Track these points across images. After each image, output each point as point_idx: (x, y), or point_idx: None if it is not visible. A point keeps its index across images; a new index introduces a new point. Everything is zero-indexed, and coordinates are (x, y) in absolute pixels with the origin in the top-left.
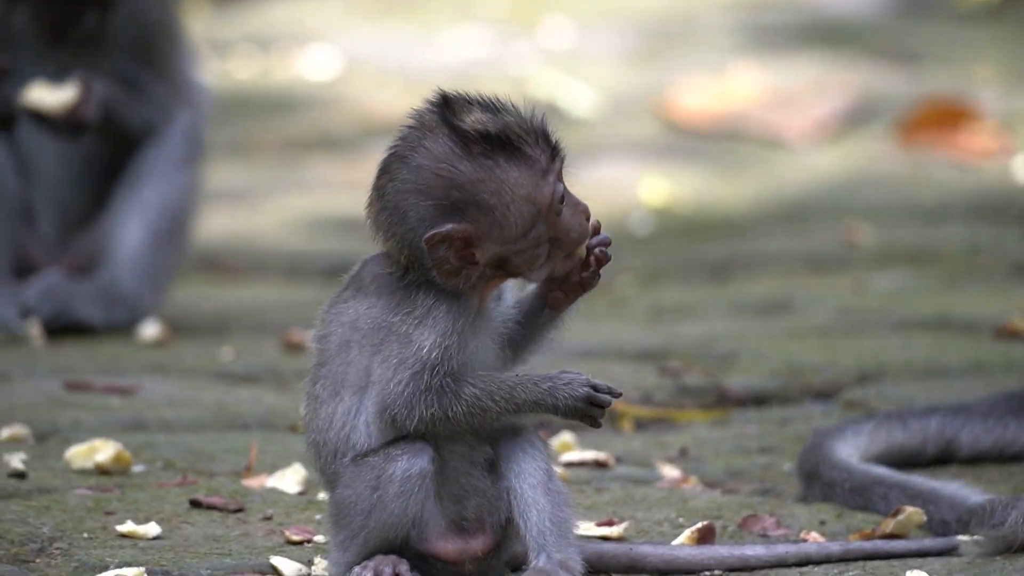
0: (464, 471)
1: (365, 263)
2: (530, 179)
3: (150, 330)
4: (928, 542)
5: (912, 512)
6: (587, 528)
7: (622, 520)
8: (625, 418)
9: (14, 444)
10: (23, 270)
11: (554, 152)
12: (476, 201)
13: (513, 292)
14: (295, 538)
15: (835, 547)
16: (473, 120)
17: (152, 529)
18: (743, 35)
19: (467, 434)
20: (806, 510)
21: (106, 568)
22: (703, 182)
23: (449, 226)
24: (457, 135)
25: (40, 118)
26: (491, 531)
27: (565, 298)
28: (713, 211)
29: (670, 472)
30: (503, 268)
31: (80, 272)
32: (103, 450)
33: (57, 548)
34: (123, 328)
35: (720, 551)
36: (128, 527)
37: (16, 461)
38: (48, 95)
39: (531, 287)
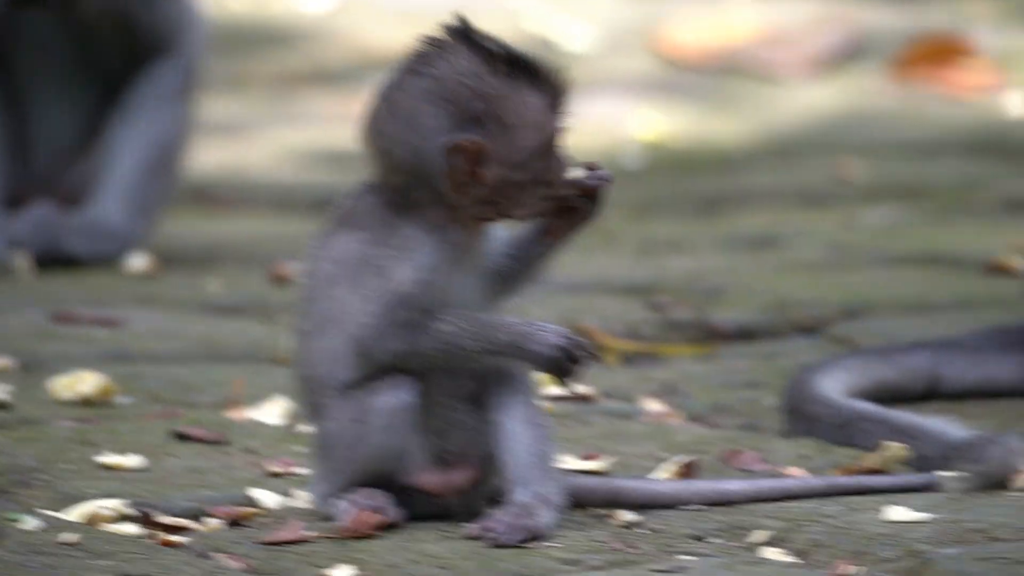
0: (448, 405)
1: (355, 196)
2: (544, 109)
3: (138, 262)
4: (911, 478)
5: (895, 448)
6: (570, 462)
7: (605, 454)
8: (611, 352)
9: None
10: (13, 202)
11: (563, 94)
12: (498, 116)
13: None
14: (276, 470)
15: (817, 482)
16: (495, 43)
17: (135, 461)
18: None
19: (446, 370)
20: (789, 445)
21: (88, 499)
22: (696, 117)
23: (471, 136)
24: (482, 52)
25: None
26: (474, 464)
27: (564, 225)
28: (705, 146)
29: (654, 406)
30: (497, 197)
31: (70, 205)
32: (87, 381)
33: (40, 479)
34: (112, 260)
35: (701, 485)
36: (111, 458)
37: (1, 392)
38: None
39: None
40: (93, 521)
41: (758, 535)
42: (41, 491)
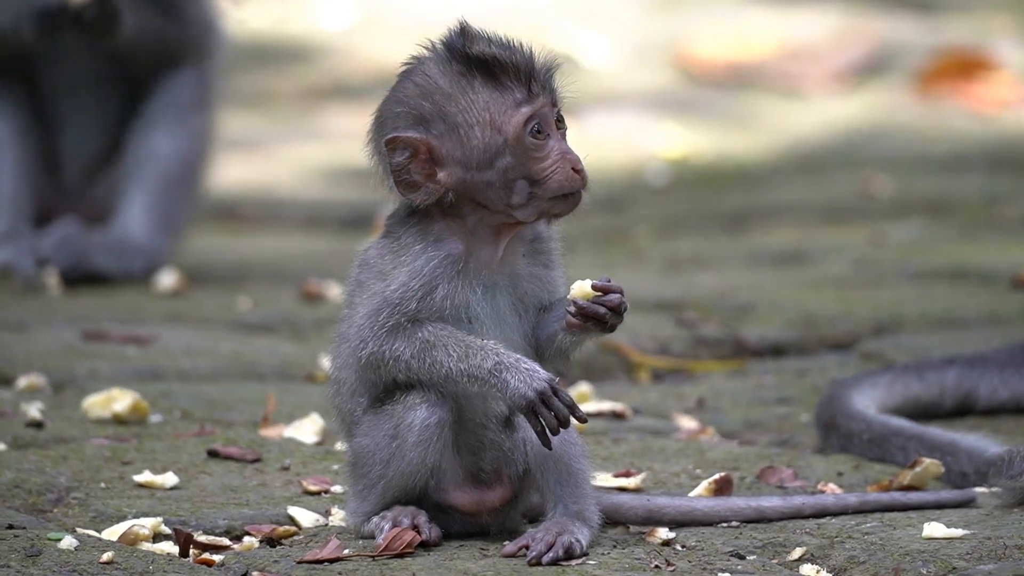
0: (480, 423)
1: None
2: (499, 106)
3: (167, 279)
4: (946, 494)
5: (930, 464)
6: (604, 479)
7: (639, 471)
8: (642, 369)
9: (31, 393)
10: (40, 219)
11: (537, 87)
12: (443, 114)
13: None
14: (312, 488)
15: (852, 498)
16: (466, 43)
17: (169, 479)
18: None
19: (436, 384)
20: (824, 461)
21: (124, 518)
22: (720, 132)
23: (410, 132)
24: (447, 53)
25: (77, 17)
26: (508, 482)
27: (579, 324)
28: (730, 161)
29: (687, 423)
30: (475, 199)
31: (97, 221)
32: (120, 400)
33: (74, 498)
34: (140, 277)
35: (737, 502)
36: (145, 477)
37: (34, 410)
38: None
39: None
40: (129, 540)
41: (795, 552)
42: (76, 510)
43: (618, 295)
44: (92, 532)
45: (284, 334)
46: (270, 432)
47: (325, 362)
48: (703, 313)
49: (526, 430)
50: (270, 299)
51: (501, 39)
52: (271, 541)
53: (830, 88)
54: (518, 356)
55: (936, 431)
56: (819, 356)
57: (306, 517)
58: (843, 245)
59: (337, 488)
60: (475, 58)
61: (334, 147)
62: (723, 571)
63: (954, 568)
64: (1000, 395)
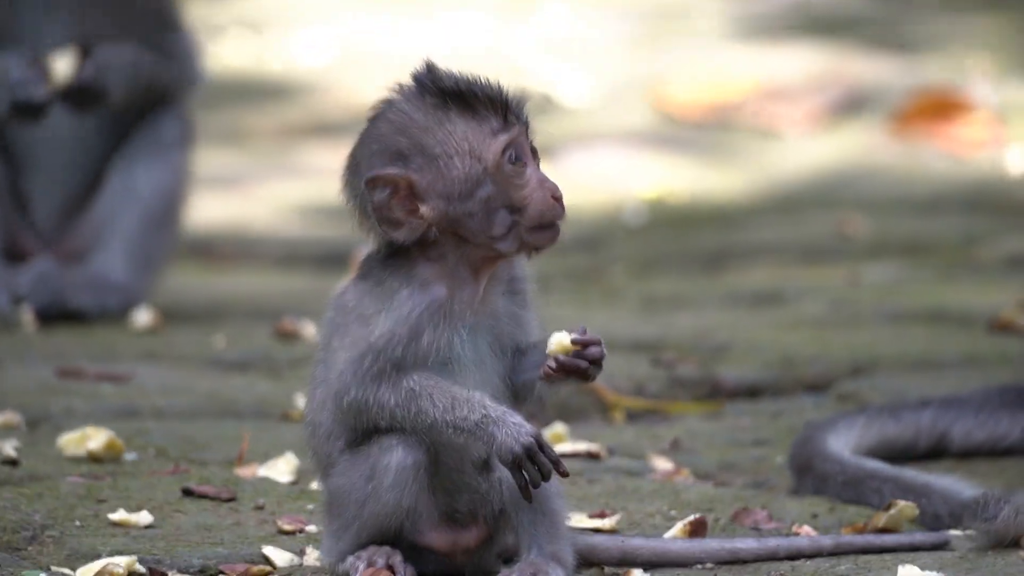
0: (456, 466)
1: (369, 248)
2: (478, 135)
3: (143, 317)
4: (920, 536)
5: (904, 506)
6: (579, 520)
7: (614, 512)
8: (617, 409)
9: (6, 431)
10: (15, 256)
11: (512, 117)
12: (421, 148)
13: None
14: (287, 527)
15: (827, 541)
16: (437, 77)
17: (144, 518)
18: (736, 24)
19: (420, 432)
20: (798, 503)
21: (98, 556)
22: (697, 172)
23: (390, 169)
24: (419, 89)
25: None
26: (484, 523)
27: (559, 377)
28: (707, 201)
29: (662, 464)
30: (457, 232)
31: (73, 258)
32: (95, 437)
33: (49, 536)
34: (116, 315)
35: (712, 544)
36: (120, 515)
37: (8, 448)
38: (60, 64)
39: (546, 340)
40: None
41: None
42: (51, 548)
43: (598, 347)
44: (67, 570)
45: (260, 372)
46: (245, 471)
47: (301, 401)
48: (679, 353)
49: (502, 471)
50: (246, 337)
51: (468, 74)
52: None
53: (807, 128)
54: (504, 409)
55: (911, 473)
56: (795, 397)
57: (281, 556)
58: (820, 285)
59: (312, 527)
60: (449, 90)
61: (311, 184)
62: None
63: None
64: (975, 437)
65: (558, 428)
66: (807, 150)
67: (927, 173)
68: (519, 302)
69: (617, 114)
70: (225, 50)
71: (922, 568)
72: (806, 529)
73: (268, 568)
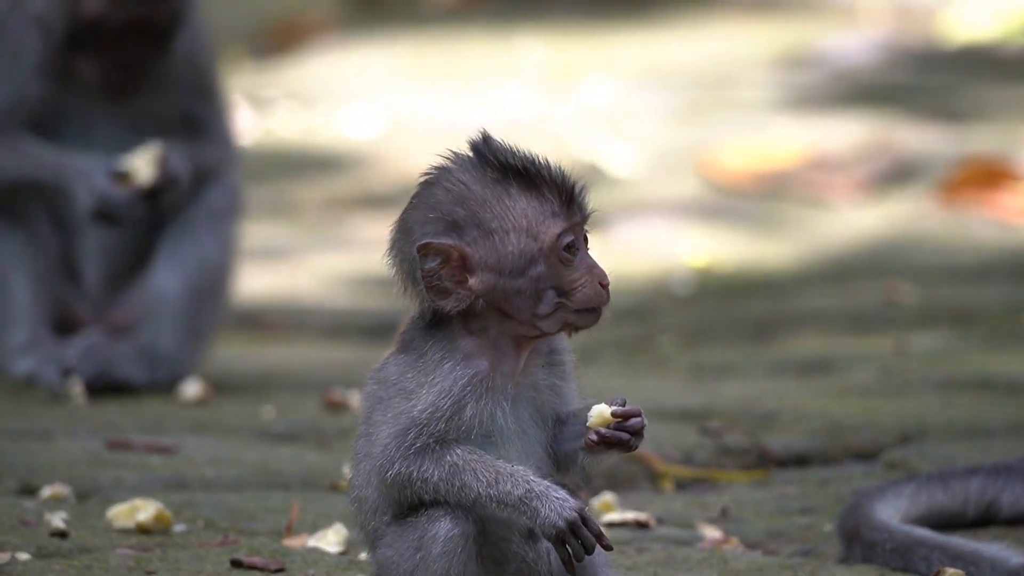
0: (503, 535)
1: (411, 320)
2: (537, 214)
3: (191, 388)
4: None
5: (953, 573)
6: None
7: None
8: (666, 478)
9: (56, 503)
10: (65, 328)
11: (573, 202)
12: (478, 221)
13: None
14: None
15: None
16: (499, 151)
17: None
18: (783, 93)
19: (464, 506)
20: (847, 572)
21: None
22: (744, 241)
23: (443, 239)
24: (479, 161)
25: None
26: None
27: (596, 445)
28: (754, 270)
29: (711, 533)
30: (502, 307)
31: (122, 330)
32: (144, 509)
33: None
34: (164, 386)
35: None
36: None
37: (58, 520)
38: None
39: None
40: None
41: None
42: None
43: (638, 418)
44: None
45: (308, 443)
46: (294, 542)
47: (349, 471)
48: (727, 422)
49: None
50: (294, 408)
51: (528, 152)
52: None
53: (855, 197)
54: (547, 484)
55: (959, 541)
56: (843, 465)
57: None
58: (868, 354)
59: None
60: (511, 166)
61: (359, 256)
62: None
63: None
64: (1023, 504)
65: (607, 497)
66: (855, 219)
67: (974, 241)
68: (559, 373)
69: (664, 184)
70: (274, 122)
71: None
72: None
73: None
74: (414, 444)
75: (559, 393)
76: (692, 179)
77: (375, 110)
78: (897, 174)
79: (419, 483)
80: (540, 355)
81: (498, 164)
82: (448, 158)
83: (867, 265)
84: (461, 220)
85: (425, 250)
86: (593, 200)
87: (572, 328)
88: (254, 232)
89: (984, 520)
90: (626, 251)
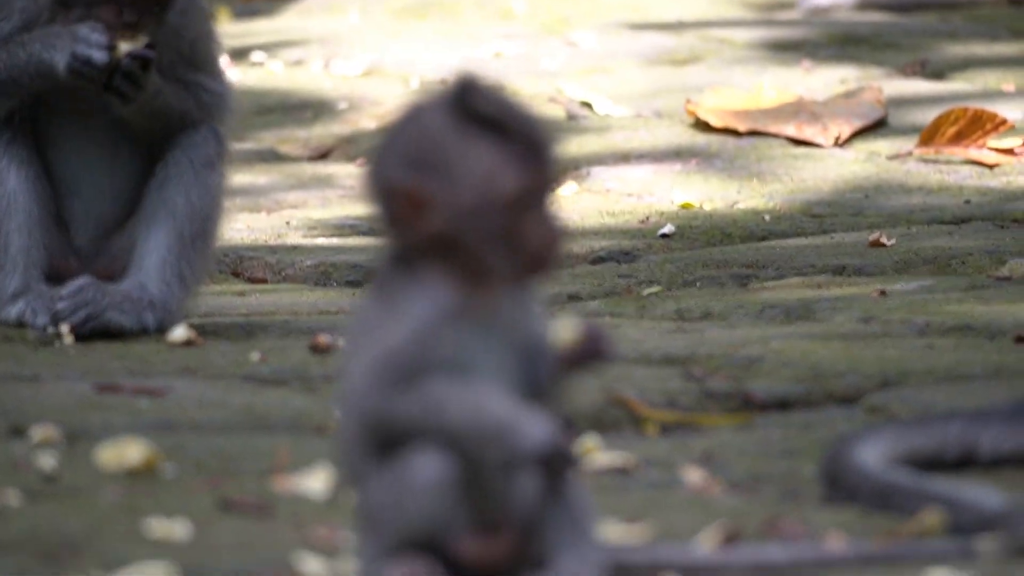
0: (484, 473)
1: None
2: (500, 163)
3: (179, 333)
4: (949, 546)
5: (933, 515)
6: (610, 531)
7: (645, 523)
8: (649, 422)
9: (45, 445)
10: (55, 276)
11: (539, 157)
12: (439, 163)
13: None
14: (322, 539)
15: (856, 550)
16: (472, 97)
17: (181, 530)
18: (770, 42)
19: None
20: (828, 513)
21: (136, 569)
22: (729, 187)
23: (403, 178)
24: (454, 103)
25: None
26: (515, 532)
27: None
28: (737, 216)
29: (694, 476)
30: (451, 251)
31: (111, 277)
32: (133, 451)
33: (87, 548)
34: (153, 332)
35: (743, 554)
36: (158, 528)
37: (47, 462)
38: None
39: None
40: None
41: None
42: (90, 560)
43: (602, 333)
44: None
45: (295, 387)
46: (281, 484)
47: (335, 414)
48: (711, 367)
49: (530, 479)
50: (281, 352)
51: (507, 99)
52: None
53: (839, 142)
54: (524, 410)
55: (939, 483)
56: (825, 410)
57: (316, 567)
58: (850, 300)
59: (347, 539)
60: (484, 113)
61: (343, 201)
62: None
63: None
64: (1004, 447)
65: (591, 440)
66: (838, 164)
67: (956, 188)
68: (532, 307)
69: (649, 130)
70: (257, 71)
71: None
72: (836, 539)
73: None
74: (386, 380)
75: (533, 326)
76: (676, 124)
77: (360, 56)
78: (880, 120)
79: (394, 419)
80: (511, 289)
81: (471, 109)
82: (424, 98)
83: (849, 209)
84: (424, 161)
85: (386, 187)
86: (568, 150)
87: (527, 277)
88: (237, 179)
89: (964, 463)
90: (609, 196)
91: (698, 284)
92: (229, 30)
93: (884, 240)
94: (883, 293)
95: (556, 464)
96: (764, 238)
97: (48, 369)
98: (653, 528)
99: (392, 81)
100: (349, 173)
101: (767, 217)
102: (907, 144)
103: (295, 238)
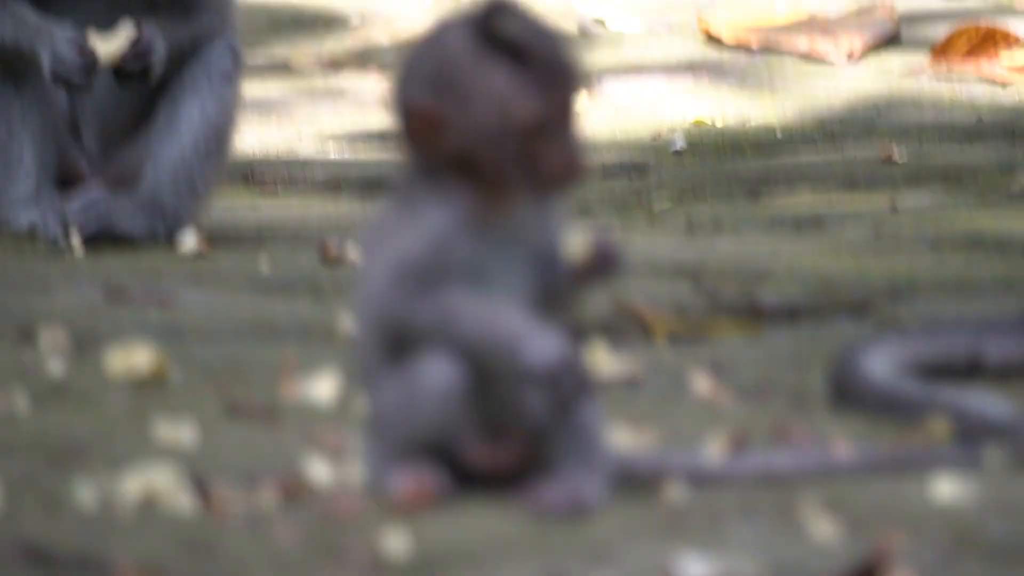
0: (495, 380)
1: (399, 169)
2: (517, 90)
3: (189, 241)
4: (954, 453)
5: (939, 423)
6: (617, 437)
7: (652, 431)
8: (658, 331)
9: (54, 351)
10: (66, 183)
11: (560, 82)
12: (457, 85)
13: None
14: (329, 444)
15: (862, 456)
16: (497, 20)
17: (188, 435)
18: None
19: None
20: (835, 421)
21: (143, 472)
22: (741, 99)
23: (422, 96)
24: (477, 25)
25: (112, 70)
26: (523, 438)
27: (586, 278)
28: (751, 128)
29: (702, 384)
30: (472, 171)
31: (122, 185)
32: (141, 357)
33: (94, 453)
34: (163, 239)
35: (750, 461)
36: (165, 433)
37: (55, 368)
38: (100, 44)
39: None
40: (147, 490)
41: (806, 509)
42: (95, 463)
43: (614, 245)
44: (112, 484)
45: (303, 295)
46: (288, 390)
47: (344, 322)
48: (720, 277)
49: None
50: (290, 260)
51: (532, 21)
52: (289, 496)
53: (851, 57)
54: (538, 326)
55: (946, 391)
56: (834, 320)
57: (323, 472)
58: (860, 211)
59: (353, 444)
60: (506, 38)
61: (355, 112)
62: (733, 527)
63: (962, 527)
64: (1011, 357)
65: (599, 348)
66: (851, 78)
67: (967, 102)
68: (549, 216)
69: (662, 42)
70: None
71: (957, 485)
72: (843, 446)
73: (310, 484)
74: (405, 285)
75: (549, 235)
76: (689, 39)
77: None
78: (893, 35)
79: (409, 325)
80: (529, 202)
81: (495, 32)
82: (450, 17)
83: (861, 124)
84: (443, 82)
85: (404, 105)
86: (587, 68)
87: (541, 195)
88: (249, 91)
89: (971, 372)
90: (622, 108)
91: (709, 198)
92: None
93: (895, 155)
94: (894, 206)
95: (564, 383)
96: (775, 152)
97: (58, 276)
98: (661, 435)
99: None
100: (361, 86)
101: (778, 132)
102: (919, 60)
103: (307, 150)
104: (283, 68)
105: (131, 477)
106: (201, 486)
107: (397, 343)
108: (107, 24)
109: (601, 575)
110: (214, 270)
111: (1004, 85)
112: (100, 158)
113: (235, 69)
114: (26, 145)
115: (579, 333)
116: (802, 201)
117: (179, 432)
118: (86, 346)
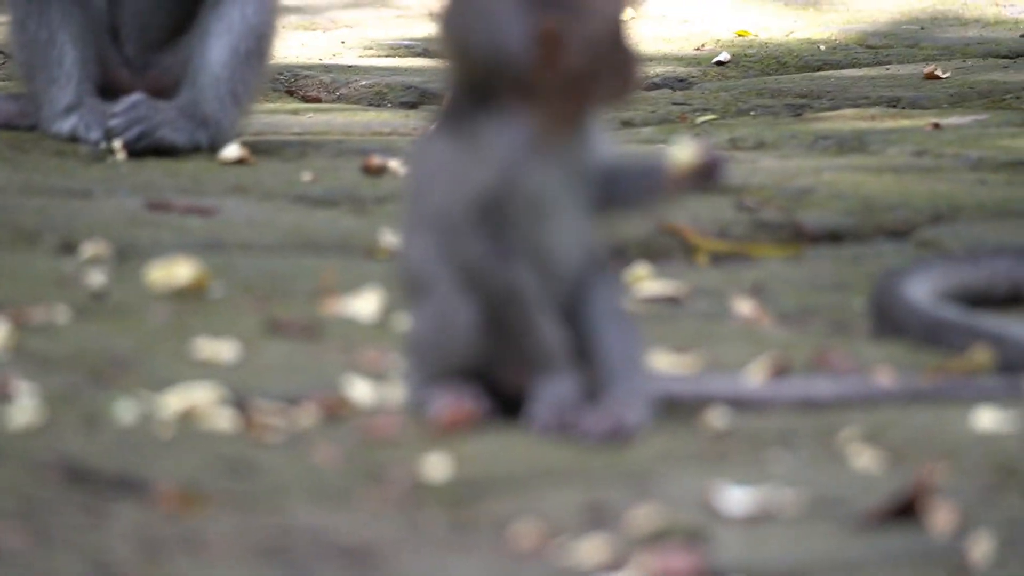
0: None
1: (448, 96)
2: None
3: (232, 151)
4: (997, 382)
5: (981, 352)
6: (658, 361)
7: (694, 355)
8: (701, 252)
9: (95, 262)
10: (107, 91)
11: None
12: (571, 2)
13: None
14: (370, 362)
15: (903, 385)
16: None
17: (228, 351)
18: None
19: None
20: (877, 348)
21: (184, 388)
22: (785, 16)
23: (545, 19)
24: None
25: None
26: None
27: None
28: (794, 45)
29: (744, 307)
30: (573, 86)
31: (164, 93)
32: (183, 270)
33: (134, 368)
34: (205, 149)
35: (790, 386)
36: (204, 348)
37: (96, 279)
38: None
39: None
40: (187, 409)
41: (846, 437)
42: (136, 379)
43: (720, 156)
44: (150, 402)
45: (345, 208)
46: (329, 306)
47: (386, 237)
48: (763, 197)
49: (579, 310)
50: (332, 173)
51: None
52: (329, 414)
53: None
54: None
55: (988, 319)
56: (876, 243)
57: (363, 391)
58: (904, 133)
59: (394, 362)
60: None
61: (400, 24)
62: (774, 454)
63: (1003, 457)
64: None
65: (641, 269)
66: None
67: (1012, 22)
68: (601, 139)
69: None
70: None
71: (998, 414)
72: (884, 374)
73: (351, 402)
74: (465, 219)
75: (603, 157)
76: None
77: None
78: None
79: (465, 261)
80: (585, 122)
81: None
82: None
83: (905, 42)
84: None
85: (540, 32)
86: None
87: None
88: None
89: (1014, 298)
90: (665, 21)
91: (752, 113)
92: None
93: (939, 72)
94: (936, 126)
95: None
96: (819, 68)
97: (99, 185)
98: (702, 358)
99: None
100: None
101: (822, 47)
102: None
103: (350, 57)
104: None
105: (171, 395)
106: (241, 405)
107: (444, 273)
108: None
109: (642, 505)
110: (256, 181)
111: None
112: (140, 64)
113: None
114: (66, 49)
115: (622, 254)
116: (845, 119)
117: (219, 348)
118: (127, 257)
